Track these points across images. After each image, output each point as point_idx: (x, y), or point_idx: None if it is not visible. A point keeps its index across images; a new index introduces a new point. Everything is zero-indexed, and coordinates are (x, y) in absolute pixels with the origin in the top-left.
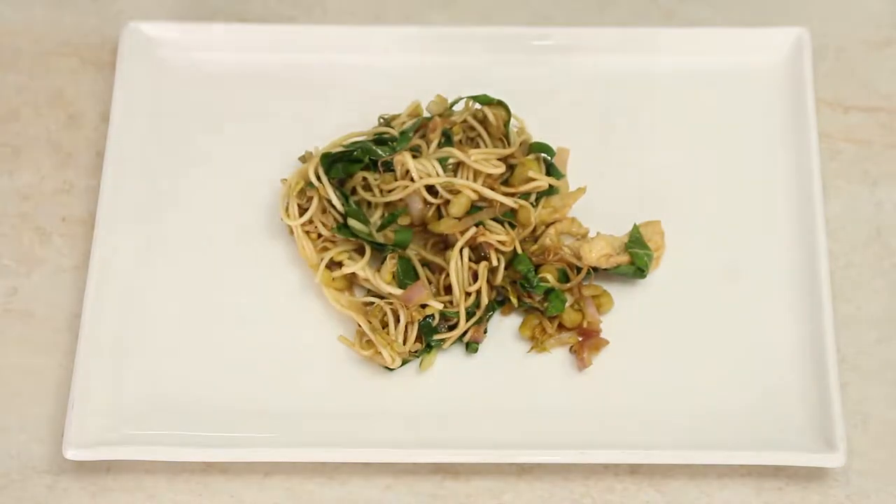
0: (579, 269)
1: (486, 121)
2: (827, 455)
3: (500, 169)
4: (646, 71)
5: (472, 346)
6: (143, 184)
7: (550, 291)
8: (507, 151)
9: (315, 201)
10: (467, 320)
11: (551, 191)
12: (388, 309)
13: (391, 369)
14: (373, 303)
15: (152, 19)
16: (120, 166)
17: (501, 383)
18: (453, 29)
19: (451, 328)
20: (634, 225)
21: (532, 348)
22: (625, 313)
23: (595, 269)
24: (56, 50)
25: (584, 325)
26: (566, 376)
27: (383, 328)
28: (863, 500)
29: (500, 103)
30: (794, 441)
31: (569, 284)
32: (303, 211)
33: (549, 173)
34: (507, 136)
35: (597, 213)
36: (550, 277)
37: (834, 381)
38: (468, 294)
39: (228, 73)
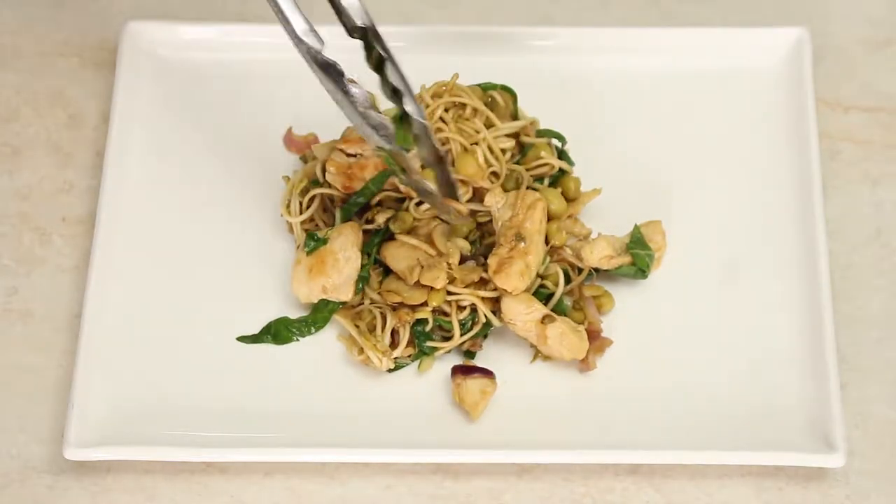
0: (580, 270)
1: (495, 102)
2: (827, 455)
3: (510, 143)
4: (646, 71)
5: (469, 353)
6: (143, 184)
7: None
8: (520, 124)
9: (317, 199)
10: (463, 333)
11: (564, 176)
12: (377, 312)
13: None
14: (363, 302)
15: (152, 19)
16: (120, 166)
17: (501, 383)
18: (453, 29)
19: (447, 339)
20: (635, 225)
21: (535, 357)
22: (626, 313)
23: (596, 269)
24: (56, 50)
25: (585, 327)
26: (565, 376)
27: (372, 332)
28: (863, 500)
29: (506, 88)
30: (794, 441)
31: (570, 285)
32: (304, 211)
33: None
34: (515, 116)
35: (598, 214)
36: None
37: (834, 381)
38: (462, 308)
39: (228, 73)
